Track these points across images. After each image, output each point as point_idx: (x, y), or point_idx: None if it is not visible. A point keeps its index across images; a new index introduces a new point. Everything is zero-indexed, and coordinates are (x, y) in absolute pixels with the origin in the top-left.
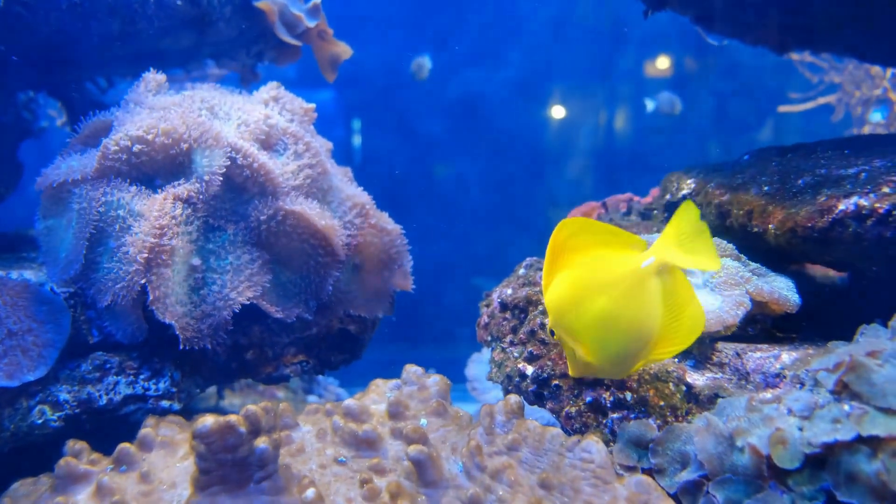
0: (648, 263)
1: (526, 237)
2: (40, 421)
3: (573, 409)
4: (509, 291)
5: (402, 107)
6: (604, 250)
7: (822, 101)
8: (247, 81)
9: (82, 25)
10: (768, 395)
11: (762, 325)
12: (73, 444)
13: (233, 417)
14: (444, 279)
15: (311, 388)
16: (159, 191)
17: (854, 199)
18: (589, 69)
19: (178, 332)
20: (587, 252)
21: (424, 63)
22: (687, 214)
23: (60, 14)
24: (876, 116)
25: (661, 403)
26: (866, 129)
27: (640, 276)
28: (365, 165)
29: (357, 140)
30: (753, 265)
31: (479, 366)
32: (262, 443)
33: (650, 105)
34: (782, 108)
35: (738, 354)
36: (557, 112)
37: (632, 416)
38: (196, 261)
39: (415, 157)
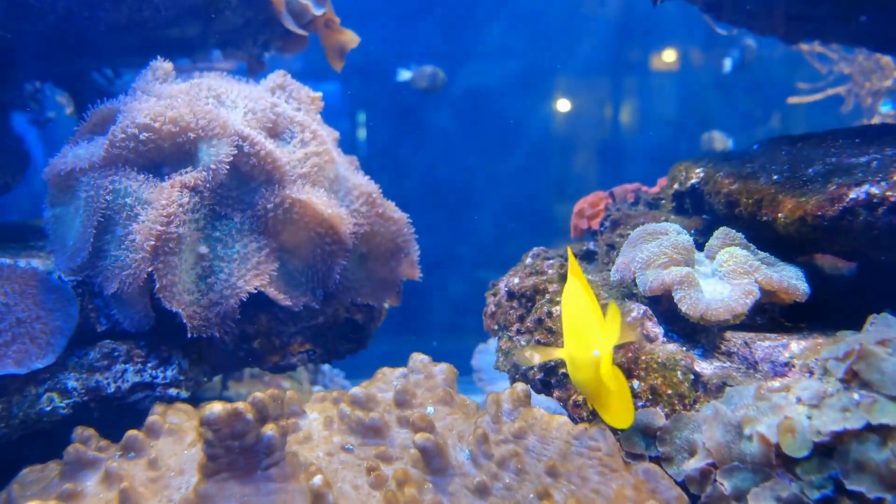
0: (595, 356)
1: (531, 229)
2: (48, 408)
3: (580, 398)
4: (516, 280)
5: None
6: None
7: (831, 91)
8: (253, 71)
9: (89, 14)
10: (777, 383)
11: (771, 315)
12: (82, 431)
13: (240, 405)
14: (449, 271)
15: (316, 379)
16: (167, 179)
17: (865, 188)
18: (595, 61)
19: (185, 321)
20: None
21: (433, 72)
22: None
23: (68, 3)
24: (886, 108)
25: (669, 392)
26: (875, 120)
27: (593, 357)
28: (370, 157)
29: (362, 132)
30: (762, 254)
31: (484, 356)
32: (269, 430)
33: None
34: (791, 100)
35: (746, 343)
36: (563, 104)
37: (640, 404)
38: (203, 249)
39: (420, 148)
